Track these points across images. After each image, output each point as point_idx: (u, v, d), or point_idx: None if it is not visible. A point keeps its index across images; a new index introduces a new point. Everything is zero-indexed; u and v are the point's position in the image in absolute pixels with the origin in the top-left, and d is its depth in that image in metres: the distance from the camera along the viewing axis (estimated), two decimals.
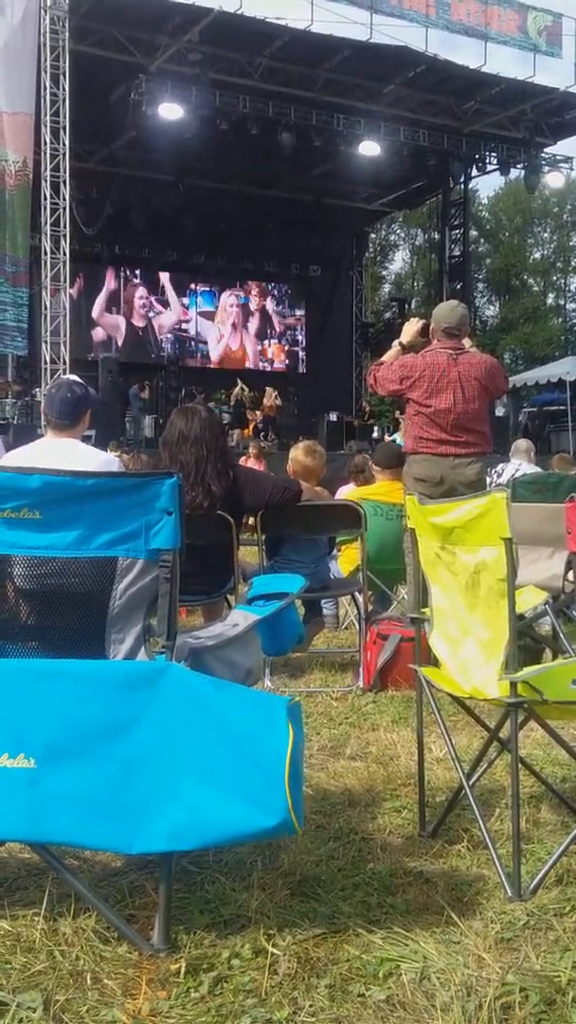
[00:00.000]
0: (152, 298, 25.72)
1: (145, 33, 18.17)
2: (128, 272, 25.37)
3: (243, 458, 14.45)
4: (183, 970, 2.05)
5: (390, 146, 21.50)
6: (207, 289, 26.63)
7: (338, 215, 26.82)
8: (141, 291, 25.53)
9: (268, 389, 23.24)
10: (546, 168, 23.78)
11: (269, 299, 27.71)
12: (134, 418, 20.59)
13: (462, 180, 25.92)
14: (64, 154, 16.95)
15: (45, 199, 16.99)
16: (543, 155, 23.82)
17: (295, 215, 25.50)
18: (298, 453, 5.70)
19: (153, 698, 2.17)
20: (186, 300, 26.30)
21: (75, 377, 4.66)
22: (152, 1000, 1.96)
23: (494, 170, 24.27)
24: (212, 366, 26.60)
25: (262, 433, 21.62)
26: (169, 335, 26.04)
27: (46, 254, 17.11)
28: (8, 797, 2.17)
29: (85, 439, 4.23)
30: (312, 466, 5.61)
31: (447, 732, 2.84)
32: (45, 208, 17.04)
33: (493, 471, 8.12)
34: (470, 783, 2.79)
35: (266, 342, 27.65)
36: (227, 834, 2.15)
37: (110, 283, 25.11)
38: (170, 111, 18.80)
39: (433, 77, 20.58)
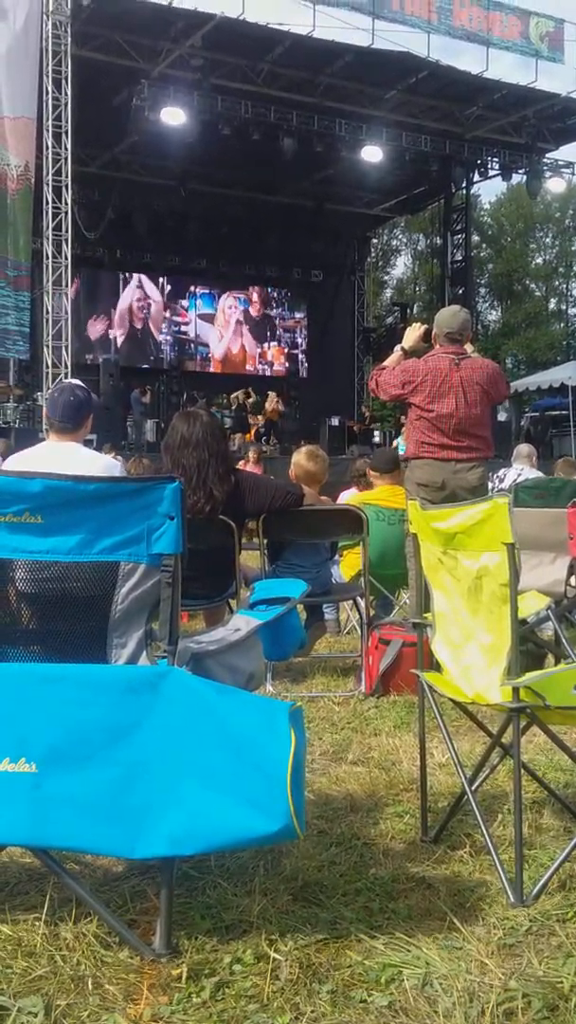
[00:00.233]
0: (151, 300, 25.74)
1: (147, 38, 18.21)
2: (129, 276, 25.39)
3: (242, 462, 14.44)
4: (185, 975, 2.05)
5: (392, 151, 21.52)
6: (206, 292, 26.65)
7: (340, 220, 26.84)
8: (140, 293, 25.54)
9: (270, 394, 23.25)
10: (548, 173, 23.79)
11: (269, 302, 27.72)
12: (135, 422, 20.60)
13: (464, 185, 25.93)
14: (66, 158, 16.98)
15: (47, 203, 17.02)
16: (545, 160, 23.84)
17: (297, 220, 25.52)
18: (301, 458, 5.70)
19: (155, 703, 2.17)
20: (186, 303, 26.31)
21: (77, 381, 4.66)
22: (153, 1005, 1.95)
23: (496, 175, 24.31)
24: (212, 369, 26.60)
25: (264, 438, 21.62)
26: (168, 336, 26.05)
27: (48, 258, 17.13)
28: (9, 801, 2.17)
29: (86, 443, 4.23)
30: (315, 470, 5.61)
31: (449, 737, 2.84)
32: (47, 212, 17.06)
33: (495, 476, 8.12)
34: (472, 788, 2.78)
35: (266, 344, 27.65)
36: (229, 839, 2.15)
37: (111, 286, 25.11)
38: (172, 116, 18.83)
39: (435, 83, 20.60)
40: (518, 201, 45.19)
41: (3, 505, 2.20)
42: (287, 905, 2.38)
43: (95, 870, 2.61)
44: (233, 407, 22.78)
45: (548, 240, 50.53)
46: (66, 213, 17.10)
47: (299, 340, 28.18)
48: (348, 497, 7.07)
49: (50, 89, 16.69)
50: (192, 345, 26.47)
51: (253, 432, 21.96)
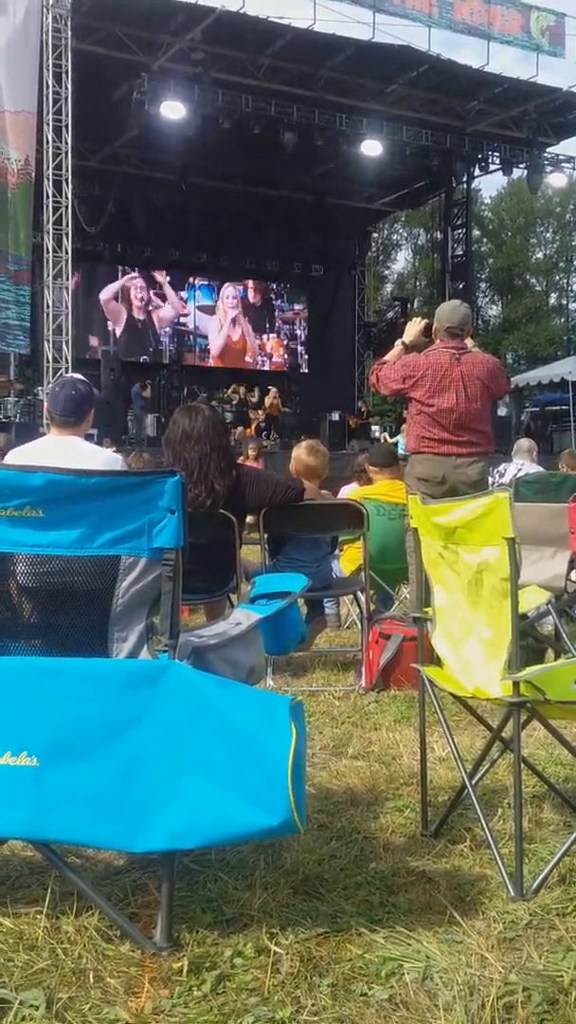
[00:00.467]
0: (151, 292, 25.72)
1: (147, 32, 18.18)
2: (129, 270, 25.36)
3: (241, 458, 14.43)
4: (185, 969, 2.05)
5: (392, 145, 21.49)
6: (205, 283, 26.61)
7: (340, 215, 26.80)
8: (140, 283, 25.50)
9: (270, 388, 23.23)
10: (549, 168, 23.75)
11: (268, 293, 27.69)
12: (136, 417, 20.60)
13: (464, 180, 25.90)
14: (66, 152, 16.95)
15: (47, 197, 17.00)
16: (546, 155, 23.80)
17: (297, 215, 25.48)
18: (301, 452, 5.70)
19: (155, 697, 2.17)
20: (184, 294, 26.28)
21: (79, 375, 4.65)
22: (154, 998, 1.96)
23: (497, 170, 24.25)
24: (212, 363, 26.58)
25: (264, 433, 21.62)
26: (167, 328, 26.03)
27: (48, 252, 17.11)
28: (11, 795, 2.17)
29: (87, 438, 4.22)
30: (315, 465, 5.61)
31: (449, 732, 2.84)
32: (47, 206, 17.04)
33: (495, 471, 8.11)
34: (472, 783, 2.78)
35: (265, 336, 27.63)
36: (229, 833, 2.15)
37: (110, 279, 25.08)
38: (172, 110, 18.80)
39: (436, 77, 20.57)
40: (519, 196, 45.14)
41: (4, 499, 2.20)
42: (288, 899, 2.38)
43: (96, 864, 2.61)
44: (234, 402, 22.78)
45: (549, 235, 50.48)
46: (66, 207, 17.07)
47: (298, 332, 28.14)
48: (348, 492, 7.06)
49: (50, 83, 16.66)
50: (191, 336, 26.44)
51: (254, 427, 21.96)
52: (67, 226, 17.14)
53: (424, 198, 28.81)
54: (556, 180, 24.58)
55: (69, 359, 17.10)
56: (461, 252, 26.80)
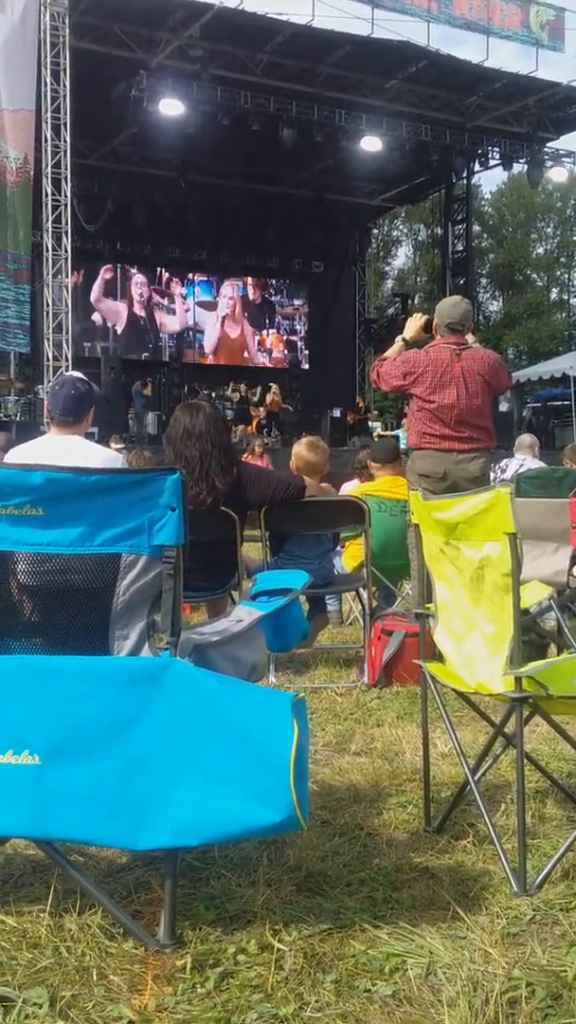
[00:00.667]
0: (151, 288, 25.71)
1: (146, 29, 18.14)
2: (129, 268, 25.35)
3: (246, 456, 14.44)
4: (189, 966, 2.05)
5: (392, 141, 21.44)
6: (205, 280, 26.59)
7: (340, 211, 26.75)
8: (140, 279, 25.49)
9: (271, 385, 23.23)
10: (549, 163, 23.70)
11: (268, 290, 27.67)
12: (137, 415, 20.59)
13: (465, 175, 25.80)
14: (65, 150, 16.92)
15: (46, 196, 16.97)
16: (546, 150, 23.74)
17: (297, 211, 25.45)
18: (301, 449, 5.70)
19: (157, 694, 2.17)
20: (184, 290, 26.26)
21: (79, 374, 4.65)
22: (158, 996, 1.96)
23: (497, 165, 24.21)
24: (213, 360, 26.56)
25: (265, 429, 21.61)
26: (167, 325, 26.03)
27: (48, 251, 17.09)
28: (13, 793, 2.17)
29: (88, 436, 4.22)
30: (315, 462, 5.61)
31: (452, 727, 2.84)
32: (46, 205, 17.01)
33: (497, 466, 8.11)
34: (475, 778, 2.78)
35: (264, 332, 27.61)
36: (232, 830, 2.16)
37: (110, 276, 25.07)
38: (171, 107, 18.76)
39: (435, 72, 20.51)
40: (519, 191, 45.04)
41: (4, 498, 2.20)
42: (291, 895, 2.38)
43: (99, 861, 2.61)
44: (235, 400, 22.78)
45: (549, 230, 50.39)
46: (65, 205, 17.05)
47: (298, 327, 28.13)
48: (350, 488, 7.06)
49: (48, 81, 16.63)
50: (191, 334, 26.43)
51: (255, 424, 21.96)
52: (66, 224, 17.12)
53: (424, 194, 28.75)
54: (556, 175, 24.50)
55: (69, 357, 17.09)
56: (462, 248, 26.75)
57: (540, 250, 50.40)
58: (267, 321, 27.67)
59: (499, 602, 2.56)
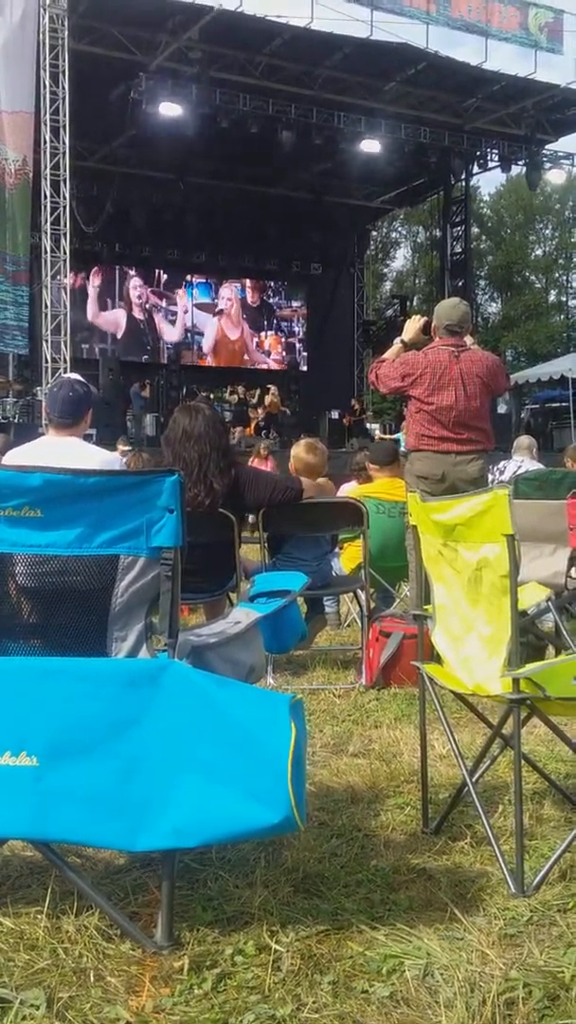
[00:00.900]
0: (149, 290, 25.71)
1: (145, 31, 18.16)
2: (128, 270, 25.35)
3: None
4: (186, 967, 2.05)
5: (391, 143, 21.46)
6: (203, 282, 26.60)
7: (339, 213, 26.78)
8: (137, 282, 25.49)
9: (270, 387, 23.24)
10: (547, 165, 23.74)
11: (267, 292, 27.68)
12: (135, 417, 20.60)
13: (463, 177, 25.85)
14: (64, 152, 16.94)
15: (45, 198, 16.99)
16: (544, 152, 23.78)
17: (296, 213, 25.47)
18: (300, 450, 5.70)
19: (155, 696, 2.17)
20: (182, 291, 26.27)
21: (77, 376, 4.66)
22: (155, 997, 1.96)
23: (495, 167, 24.22)
24: (211, 362, 26.57)
25: (264, 431, 21.61)
26: (166, 327, 26.03)
27: (46, 252, 17.10)
28: (11, 795, 2.17)
29: (86, 438, 4.22)
30: (314, 463, 5.61)
31: (450, 729, 2.84)
32: (45, 207, 17.03)
33: (495, 468, 8.12)
34: (473, 780, 2.79)
35: (263, 333, 27.62)
36: (230, 831, 2.16)
37: (109, 280, 25.08)
38: (170, 109, 18.78)
39: (434, 74, 20.54)
40: (517, 193, 45.06)
41: (2, 499, 2.20)
42: (288, 897, 2.39)
43: (96, 863, 2.61)
44: (233, 401, 22.79)
45: (548, 232, 50.41)
46: (64, 207, 17.06)
47: (297, 329, 28.14)
48: (348, 490, 7.06)
49: (47, 83, 16.64)
50: (190, 335, 26.44)
51: (253, 426, 21.96)
52: (65, 226, 17.13)
53: (423, 196, 28.78)
54: (555, 177, 24.55)
55: (68, 359, 17.10)
56: (460, 249, 26.78)
57: (539, 252, 50.43)
58: (266, 323, 27.69)
59: (497, 604, 2.56)
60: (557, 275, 50.14)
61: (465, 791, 2.78)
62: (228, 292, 26.95)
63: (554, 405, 23.77)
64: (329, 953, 2.13)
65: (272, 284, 27.79)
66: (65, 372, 15.91)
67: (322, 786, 3.26)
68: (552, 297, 50.02)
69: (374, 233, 36.86)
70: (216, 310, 26.70)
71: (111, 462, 4.11)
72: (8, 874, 2.53)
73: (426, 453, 5.45)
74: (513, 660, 2.47)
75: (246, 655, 2.63)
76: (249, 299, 27.35)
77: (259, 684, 2.93)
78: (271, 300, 27.82)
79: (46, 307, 17.19)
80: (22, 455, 4.04)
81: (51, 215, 17.03)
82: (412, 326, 5.75)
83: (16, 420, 17.98)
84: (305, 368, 27.63)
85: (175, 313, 26.17)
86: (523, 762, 2.62)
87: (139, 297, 25.57)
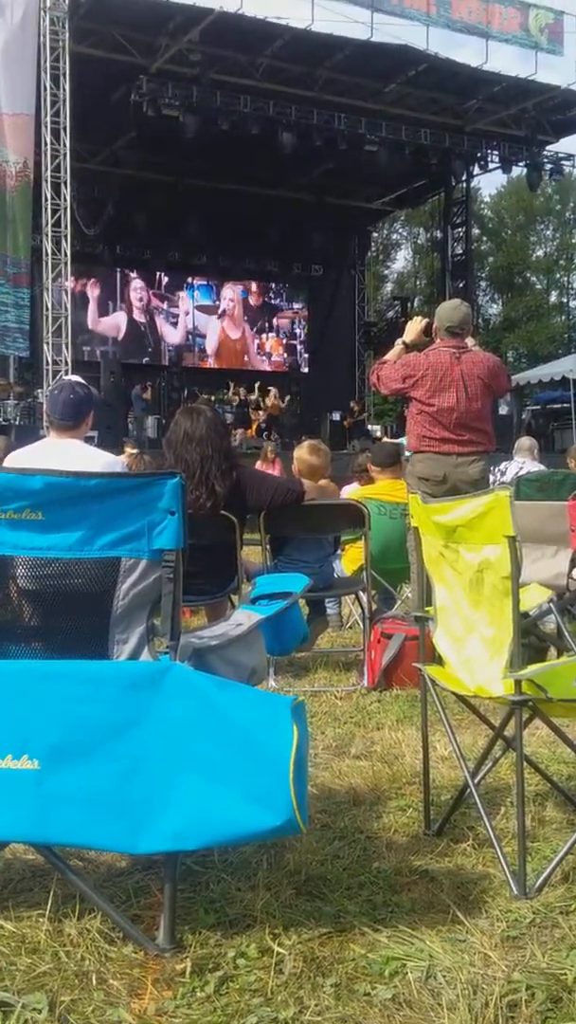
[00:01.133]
0: (150, 292, 25.72)
1: (145, 34, 18.17)
2: (128, 272, 25.36)
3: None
4: (189, 970, 2.05)
5: (392, 145, 21.44)
6: (204, 283, 26.61)
7: (340, 214, 26.78)
8: (139, 284, 25.50)
9: (270, 389, 23.24)
10: (548, 166, 23.74)
11: (268, 293, 27.69)
12: (136, 419, 20.61)
13: (464, 178, 25.87)
14: (65, 155, 16.95)
15: (46, 200, 17.00)
16: (545, 153, 23.79)
17: (297, 215, 25.46)
18: (302, 452, 5.71)
19: (157, 698, 2.17)
20: (184, 294, 26.28)
21: (78, 378, 4.65)
22: (158, 1000, 1.96)
23: (496, 168, 24.21)
24: (213, 364, 26.58)
25: (265, 433, 21.61)
26: (167, 329, 26.04)
27: (47, 255, 17.11)
28: (12, 798, 2.17)
29: (87, 440, 4.23)
30: (317, 464, 5.62)
31: (452, 730, 2.84)
32: (46, 209, 17.04)
33: (496, 469, 8.12)
34: (475, 781, 2.78)
35: (264, 335, 27.63)
36: (232, 834, 2.15)
37: (110, 283, 25.10)
38: (171, 111, 18.78)
39: (434, 76, 20.55)
40: (518, 194, 45.07)
41: (4, 502, 2.20)
42: (290, 899, 2.38)
43: (98, 866, 2.61)
44: (234, 403, 22.79)
45: (549, 233, 50.41)
46: (65, 209, 17.07)
47: (298, 331, 28.14)
48: (350, 492, 7.06)
49: (48, 85, 16.66)
50: (191, 337, 26.44)
51: (254, 427, 21.96)
52: (66, 228, 17.14)
53: (424, 197, 28.78)
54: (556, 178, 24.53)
55: (69, 361, 17.10)
56: (461, 251, 26.77)
57: (539, 253, 50.43)
58: (267, 325, 27.69)
59: (498, 605, 2.56)
60: (558, 276, 50.14)
61: (467, 793, 2.78)
62: (230, 293, 26.95)
63: (555, 406, 23.75)
64: (331, 955, 2.13)
65: (273, 286, 27.79)
66: (66, 374, 15.90)
67: (324, 788, 3.26)
68: (553, 298, 50.03)
69: (375, 234, 36.86)
70: (219, 311, 26.70)
71: (112, 464, 4.11)
72: (10, 877, 2.53)
73: (427, 454, 5.45)
74: (515, 662, 2.47)
75: (248, 657, 2.62)
76: (251, 301, 27.35)
77: (261, 686, 2.93)
78: (272, 302, 27.83)
79: (47, 309, 17.20)
80: (23, 458, 4.04)
81: (52, 217, 17.04)
82: (413, 328, 5.75)
83: (17, 422, 17.98)
84: (306, 370, 27.63)
85: (176, 315, 26.18)
86: (525, 764, 2.62)
87: (140, 300, 25.57)
